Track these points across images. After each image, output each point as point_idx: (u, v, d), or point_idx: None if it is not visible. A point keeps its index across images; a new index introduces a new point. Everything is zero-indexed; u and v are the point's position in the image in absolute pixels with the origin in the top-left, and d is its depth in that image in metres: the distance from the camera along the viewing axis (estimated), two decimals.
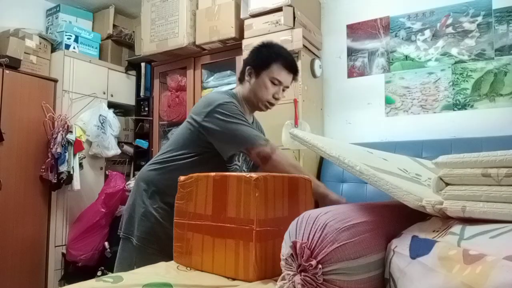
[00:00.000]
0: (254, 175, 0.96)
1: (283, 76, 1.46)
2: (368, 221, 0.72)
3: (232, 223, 0.97)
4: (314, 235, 0.65)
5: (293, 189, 1.06)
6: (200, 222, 1.05)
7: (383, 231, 0.74)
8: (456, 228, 0.62)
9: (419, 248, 0.64)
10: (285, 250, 0.70)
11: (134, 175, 3.34)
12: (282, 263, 0.70)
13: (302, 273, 0.65)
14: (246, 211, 0.95)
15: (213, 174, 1.06)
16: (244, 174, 0.99)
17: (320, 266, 0.62)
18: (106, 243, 2.84)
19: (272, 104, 1.50)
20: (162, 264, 1.12)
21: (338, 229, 0.65)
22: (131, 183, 3.11)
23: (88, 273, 2.57)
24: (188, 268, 1.07)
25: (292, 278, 0.66)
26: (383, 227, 0.75)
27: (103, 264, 2.84)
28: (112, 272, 2.46)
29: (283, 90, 1.51)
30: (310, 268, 0.63)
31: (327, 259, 0.63)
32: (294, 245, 0.67)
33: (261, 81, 1.45)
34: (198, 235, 1.05)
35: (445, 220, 0.68)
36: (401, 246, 0.68)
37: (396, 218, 0.82)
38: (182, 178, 1.13)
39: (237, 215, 0.96)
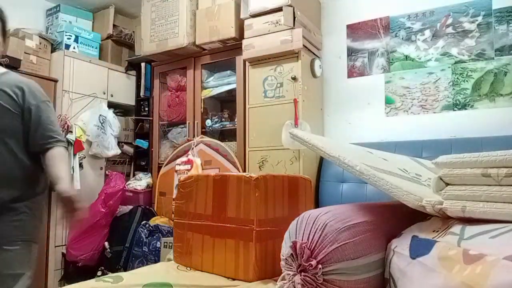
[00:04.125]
0: (254, 175, 0.96)
1: None
2: (368, 221, 0.72)
3: (232, 223, 0.97)
4: (314, 235, 0.65)
5: (293, 189, 1.06)
6: (200, 222, 1.05)
7: (383, 231, 0.74)
8: (456, 228, 0.62)
9: (419, 248, 0.64)
10: (285, 250, 0.70)
11: (134, 175, 3.34)
12: (282, 263, 0.70)
13: (302, 273, 0.65)
14: (246, 211, 0.95)
15: (213, 174, 1.06)
16: (244, 174, 1.00)
17: (320, 266, 0.62)
18: (106, 243, 2.84)
19: None
20: (162, 264, 1.12)
21: (338, 229, 0.65)
22: (131, 183, 3.11)
23: (88, 273, 2.57)
24: (188, 268, 1.07)
25: (292, 278, 0.66)
26: (383, 227, 0.75)
27: (103, 264, 2.83)
28: (112, 272, 2.46)
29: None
30: (310, 268, 0.63)
31: (327, 259, 0.63)
32: (294, 245, 0.67)
33: None
34: (198, 235, 1.06)
35: (445, 220, 0.68)
36: (401, 246, 0.67)
37: (396, 218, 0.82)
38: (182, 178, 1.13)
39: (237, 215, 0.97)
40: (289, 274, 0.68)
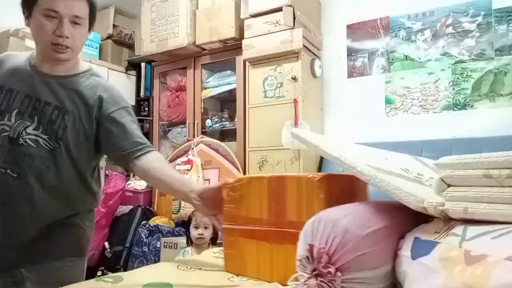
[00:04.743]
0: (316, 175, 0.90)
1: (57, 3, 1.10)
2: (387, 226, 0.70)
3: (293, 228, 0.87)
4: (333, 240, 0.62)
5: (350, 189, 0.99)
6: (254, 228, 0.97)
7: (398, 236, 0.72)
8: (458, 229, 0.62)
9: (420, 249, 0.64)
10: (301, 251, 0.67)
11: (134, 175, 3.34)
12: (297, 263, 0.68)
13: (319, 278, 0.63)
14: (309, 215, 0.86)
15: (268, 175, 0.98)
16: (304, 174, 0.92)
17: (339, 273, 0.60)
18: (106, 243, 2.84)
19: (60, 45, 1.14)
20: (162, 264, 1.12)
21: (359, 235, 0.62)
22: (131, 183, 3.11)
23: (88, 273, 2.56)
24: (188, 268, 1.06)
25: (307, 281, 0.64)
26: (399, 232, 0.73)
27: (103, 264, 2.83)
28: (112, 272, 2.46)
29: (75, 23, 1.17)
30: (328, 275, 0.61)
31: (347, 267, 0.60)
32: (311, 248, 0.64)
33: (35, 21, 1.12)
34: (252, 241, 0.98)
35: (447, 221, 0.68)
36: (404, 247, 0.67)
37: (410, 219, 0.80)
38: (230, 180, 1.04)
39: (298, 219, 0.88)
40: (304, 276, 0.66)
